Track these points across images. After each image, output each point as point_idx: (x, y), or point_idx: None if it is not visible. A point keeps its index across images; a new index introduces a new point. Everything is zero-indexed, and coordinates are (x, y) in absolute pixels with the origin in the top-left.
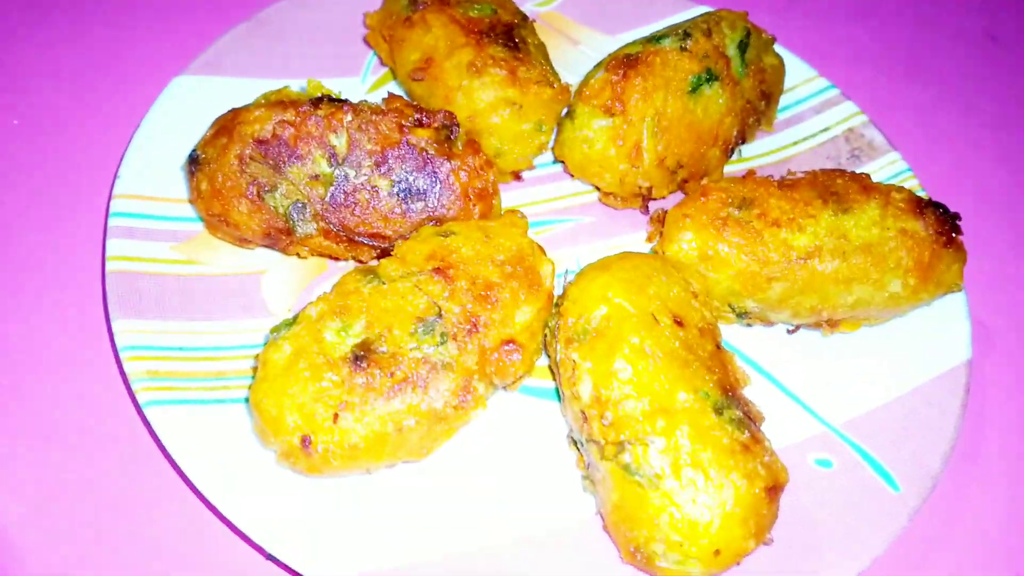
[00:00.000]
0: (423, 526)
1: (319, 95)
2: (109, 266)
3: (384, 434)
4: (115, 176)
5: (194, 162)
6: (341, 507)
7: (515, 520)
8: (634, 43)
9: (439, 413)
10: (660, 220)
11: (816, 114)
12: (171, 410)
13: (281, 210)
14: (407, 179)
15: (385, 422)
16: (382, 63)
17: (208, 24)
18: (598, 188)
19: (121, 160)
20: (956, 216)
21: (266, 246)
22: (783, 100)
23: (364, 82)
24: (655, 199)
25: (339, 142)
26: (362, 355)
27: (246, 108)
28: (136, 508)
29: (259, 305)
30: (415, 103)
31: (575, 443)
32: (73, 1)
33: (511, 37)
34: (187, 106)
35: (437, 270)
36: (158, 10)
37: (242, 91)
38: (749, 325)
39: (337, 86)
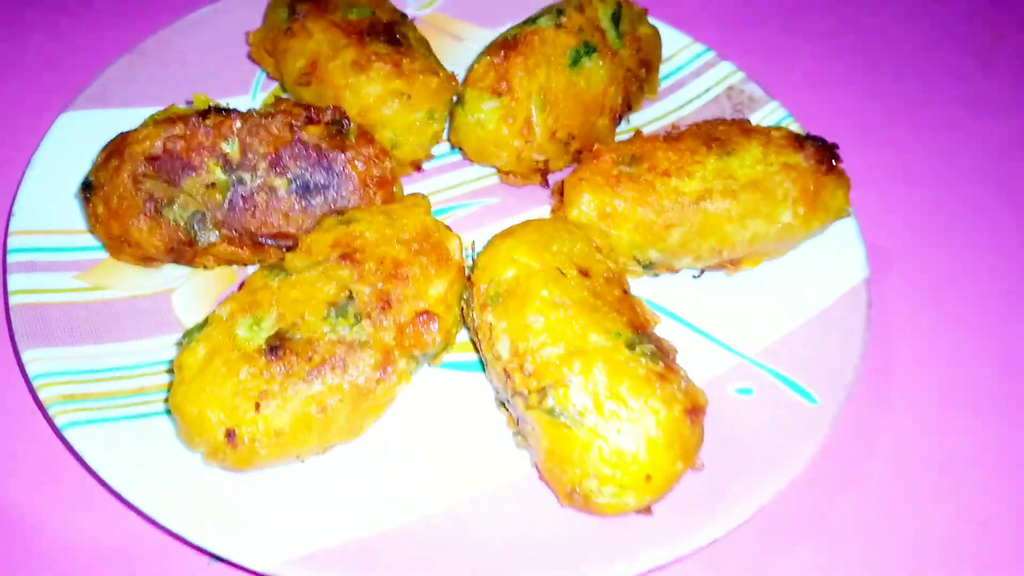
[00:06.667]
0: (363, 504)
1: (206, 107)
2: (12, 300)
3: (308, 416)
4: (10, 213)
5: (88, 188)
6: (278, 496)
7: (455, 486)
8: (512, 28)
9: (362, 389)
10: (561, 191)
11: (696, 77)
12: (92, 430)
13: (181, 222)
14: (303, 175)
15: (308, 404)
16: (270, 78)
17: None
18: (497, 169)
19: (14, 197)
20: (834, 146)
21: (172, 261)
22: (664, 69)
23: (255, 99)
24: (553, 172)
25: (231, 148)
26: (277, 344)
27: (135, 129)
28: (70, 533)
29: (173, 322)
30: (303, 103)
31: (503, 404)
32: None
33: (392, 34)
34: (76, 140)
35: (343, 256)
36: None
37: (130, 121)
38: (656, 275)
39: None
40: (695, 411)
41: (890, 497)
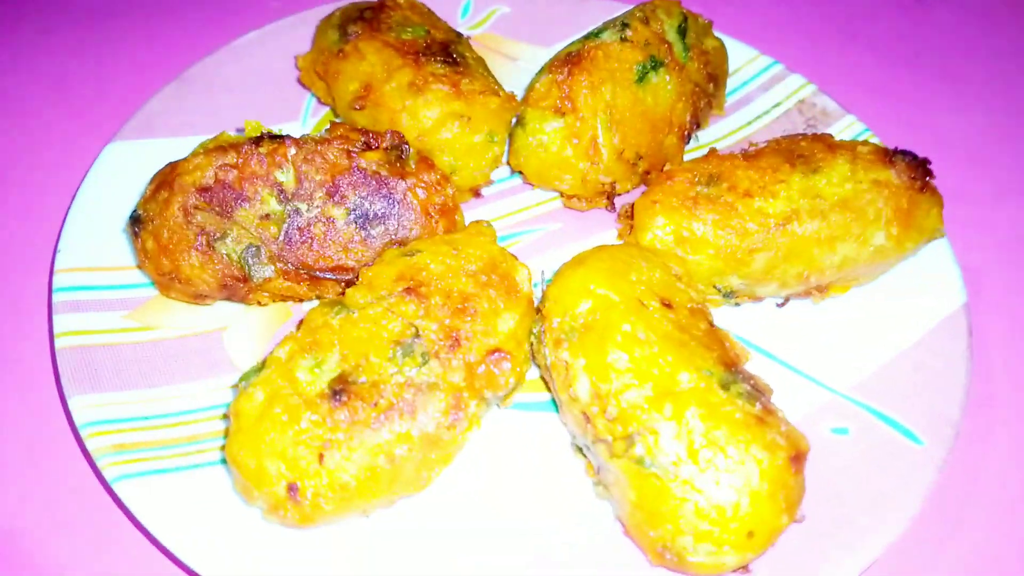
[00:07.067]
0: (431, 561)
1: (259, 134)
2: (58, 343)
3: (376, 468)
4: (55, 250)
5: (136, 222)
6: (342, 555)
7: (530, 541)
8: (574, 43)
9: (432, 437)
10: (629, 214)
11: (764, 92)
12: (143, 482)
13: (234, 257)
14: (362, 205)
15: (375, 455)
16: (321, 103)
17: (133, 88)
18: (561, 193)
19: (60, 233)
20: (926, 161)
21: (224, 298)
22: (729, 83)
23: (305, 125)
24: (620, 195)
25: (286, 177)
26: (340, 389)
27: (184, 159)
28: None
29: (225, 362)
30: (360, 128)
31: (580, 449)
32: None
33: (448, 54)
34: (123, 172)
35: (408, 290)
36: (82, 78)
37: (178, 150)
38: (738, 304)
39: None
40: (798, 457)
41: (1005, 545)
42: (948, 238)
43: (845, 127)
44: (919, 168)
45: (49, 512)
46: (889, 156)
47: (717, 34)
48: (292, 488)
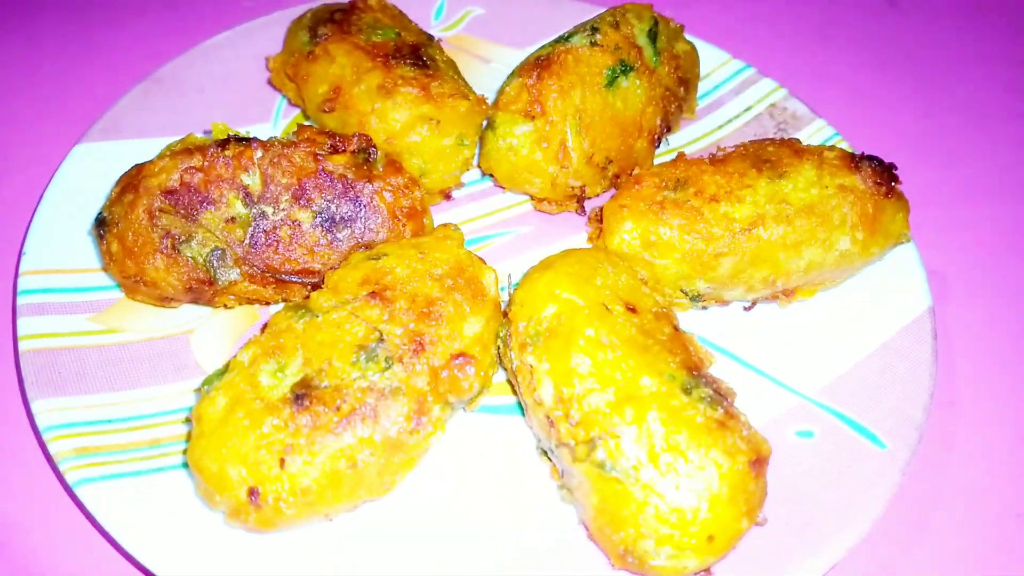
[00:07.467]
0: (395, 565)
1: (225, 137)
2: (22, 345)
3: (338, 472)
4: (20, 252)
5: (101, 224)
6: (304, 560)
7: (495, 545)
8: (544, 47)
9: (395, 442)
10: (598, 218)
11: (736, 95)
12: (105, 486)
13: (200, 260)
14: (329, 208)
15: (337, 459)
16: (291, 104)
17: (100, 89)
18: (531, 196)
19: (25, 235)
20: (892, 166)
21: (190, 301)
22: (701, 87)
23: (276, 127)
24: (590, 198)
25: (252, 180)
26: (303, 393)
27: (150, 162)
28: None
29: (191, 365)
30: (327, 131)
31: (545, 453)
32: None
33: (419, 56)
34: (89, 173)
35: (372, 294)
36: (49, 78)
37: (146, 152)
38: (704, 308)
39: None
40: (759, 462)
41: (968, 548)
42: (914, 242)
43: (815, 131)
44: (885, 173)
45: (11, 515)
46: (855, 161)
47: (688, 37)
48: (253, 492)
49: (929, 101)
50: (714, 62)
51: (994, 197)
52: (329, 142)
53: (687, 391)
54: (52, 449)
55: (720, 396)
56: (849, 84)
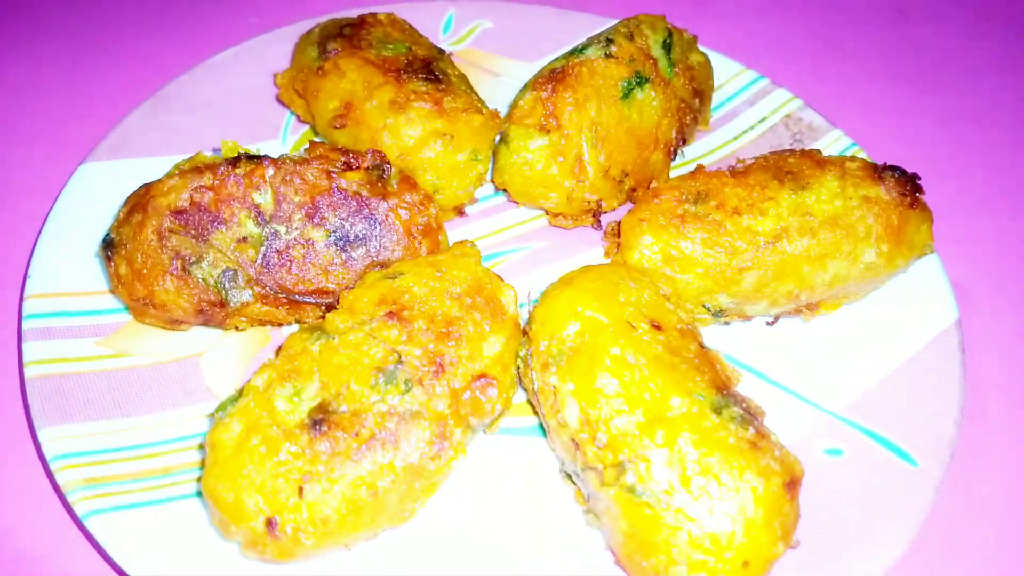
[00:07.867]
0: None
1: (236, 155)
2: (28, 372)
3: (358, 501)
4: (25, 275)
5: (109, 246)
6: None
7: (518, 571)
8: (558, 59)
9: (416, 468)
10: (615, 232)
11: (751, 106)
12: (115, 517)
13: (211, 281)
14: (343, 226)
15: (357, 487)
16: (300, 121)
17: (107, 107)
18: (546, 211)
19: (30, 257)
20: (915, 176)
21: (201, 324)
22: (715, 99)
23: (284, 143)
24: (606, 212)
25: (264, 199)
26: (320, 418)
27: (159, 181)
28: None
29: (202, 390)
30: (340, 147)
31: (569, 476)
32: None
33: (431, 71)
34: (96, 193)
35: (390, 314)
36: (55, 97)
37: (154, 171)
38: (727, 323)
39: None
40: (793, 483)
41: (1005, 564)
42: (938, 253)
43: (832, 141)
44: (909, 184)
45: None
46: (878, 172)
47: (702, 49)
48: (271, 523)
49: (942, 110)
50: (728, 73)
51: (1010, 207)
52: (342, 159)
53: (717, 411)
54: (60, 480)
55: (750, 415)
56: (860, 94)
